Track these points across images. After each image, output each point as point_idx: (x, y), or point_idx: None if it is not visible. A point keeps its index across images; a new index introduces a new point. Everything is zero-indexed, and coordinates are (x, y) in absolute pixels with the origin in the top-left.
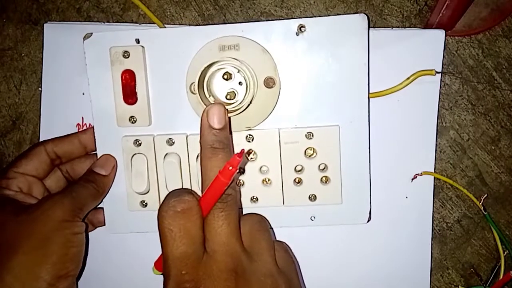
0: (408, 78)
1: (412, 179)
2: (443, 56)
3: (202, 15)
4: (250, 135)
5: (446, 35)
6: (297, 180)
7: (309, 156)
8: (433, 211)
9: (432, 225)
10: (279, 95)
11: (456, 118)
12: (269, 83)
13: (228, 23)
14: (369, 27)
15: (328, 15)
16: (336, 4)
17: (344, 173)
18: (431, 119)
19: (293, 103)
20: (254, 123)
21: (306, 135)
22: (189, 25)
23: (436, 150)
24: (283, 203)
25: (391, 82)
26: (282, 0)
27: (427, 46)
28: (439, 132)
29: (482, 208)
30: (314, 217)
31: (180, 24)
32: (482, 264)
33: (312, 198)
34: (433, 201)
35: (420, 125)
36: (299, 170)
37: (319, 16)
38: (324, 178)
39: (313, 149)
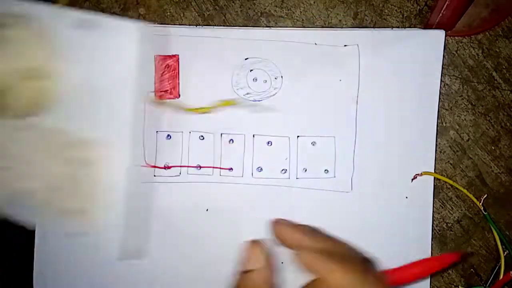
0: (220, 104)
1: (412, 179)
2: (443, 56)
3: (202, 15)
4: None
5: (446, 35)
6: None
7: None
8: (433, 211)
9: (432, 225)
10: None
11: (456, 118)
12: None
13: (228, 25)
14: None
15: (329, 15)
16: (336, 4)
17: None
18: (431, 119)
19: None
20: None
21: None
22: (189, 25)
23: (436, 150)
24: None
25: (391, 82)
26: (282, 0)
27: (427, 46)
28: (439, 132)
29: (482, 208)
30: None
31: (180, 24)
32: (482, 264)
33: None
34: (433, 201)
35: (420, 125)
36: None
37: (319, 17)
38: None
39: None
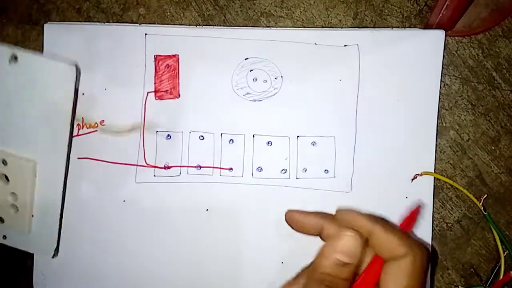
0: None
1: (412, 179)
2: (443, 56)
3: (202, 16)
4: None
5: (446, 35)
6: None
7: None
8: (433, 211)
9: (432, 225)
10: None
11: (456, 118)
12: None
13: (228, 25)
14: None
15: (329, 15)
16: (336, 4)
17: None
18: (431, 119)
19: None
20: None
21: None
22: (189, 25)
23: (436, 150)
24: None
25: (391, 82)
26: (282, 0)
27: (427, 46)
28: (439, 132)
29: (482, 208)
30: None
31: (180, 24)
32: (482, 264)
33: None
34: (433, 201)
35: (420, 125)
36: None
37: (319, 17)
38: None
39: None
